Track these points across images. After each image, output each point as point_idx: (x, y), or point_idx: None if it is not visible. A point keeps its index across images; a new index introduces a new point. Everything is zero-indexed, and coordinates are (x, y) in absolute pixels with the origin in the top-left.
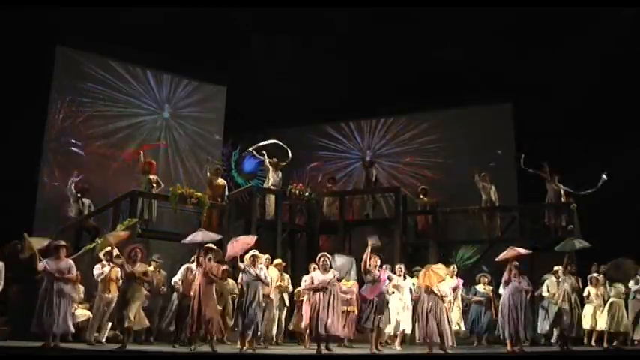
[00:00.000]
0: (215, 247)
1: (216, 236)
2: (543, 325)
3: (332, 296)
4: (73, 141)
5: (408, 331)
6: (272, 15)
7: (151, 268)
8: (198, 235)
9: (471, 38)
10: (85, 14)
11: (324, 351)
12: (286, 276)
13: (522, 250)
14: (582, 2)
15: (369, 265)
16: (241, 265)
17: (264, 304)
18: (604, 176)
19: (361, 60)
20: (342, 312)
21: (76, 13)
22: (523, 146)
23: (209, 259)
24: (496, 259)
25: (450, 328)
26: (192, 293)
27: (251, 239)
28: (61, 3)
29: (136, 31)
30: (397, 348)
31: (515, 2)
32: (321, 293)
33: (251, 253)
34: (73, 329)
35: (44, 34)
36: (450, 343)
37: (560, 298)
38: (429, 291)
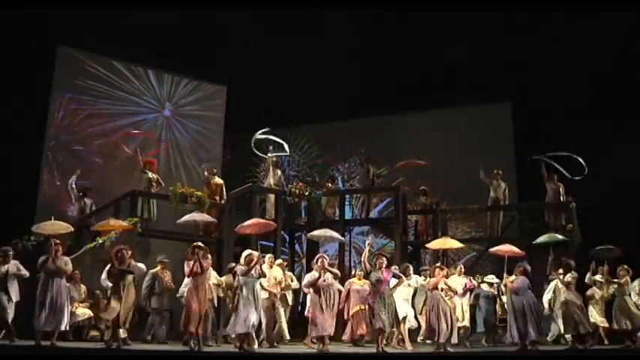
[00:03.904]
0: (203, 245)
1: (212, 219)
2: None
3: (328, 296)
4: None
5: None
6: (272, 15)
7: (158, 268)
8: (193, 216)
9: (471, 38)
10: (86, 14)
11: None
12: (289, 274)
13: (517, 250)
14: (582, 2)
15: (371, 265)
16: (240, 267)
17: (264, 304)
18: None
19: (361, 60)
20: (357, 310)
21: (77, 12)
22: (524, 147)
23: (198, 257)
24: (490, 250)
25: (449, 325)
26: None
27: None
28: (62, 3)
29: (136, 30)
30: (409, 349)
31: (515, 2)
32: (318, 293)
33: (247, 252)
34: (67, 327)
35: (45, 34)
36: (443, 340)
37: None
38: (433, 289)
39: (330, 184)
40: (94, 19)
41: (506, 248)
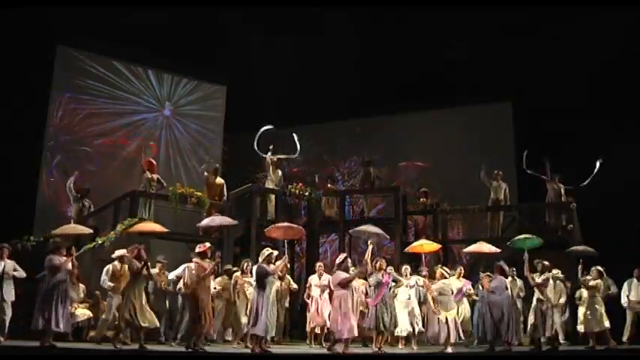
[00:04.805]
0: (210, 244)
1: (233, 222)
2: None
3: (353, 297)
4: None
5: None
6: (272, 15)
7: (156, 269)
8: (215, 220)
9: (471, 38)
10: (85, 14)
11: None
12: (288, 277)
13: (490, 249)
14: (582, 2)
15: (373, 267)
16: (269, 266)
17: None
18: (598, 163)
19: (361, 60)
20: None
21: (77, 12)
22: (523, 147)
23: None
24: (464, 250)
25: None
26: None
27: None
28: (62, 3)
29: (136, 30)
30: (400, 348)
31: (515, 2)
32: (349, 293)
33: (267, 251)
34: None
35: (45, 34)
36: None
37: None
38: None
39: (329, 185)
40: (94, 19)
41: (480, 247)
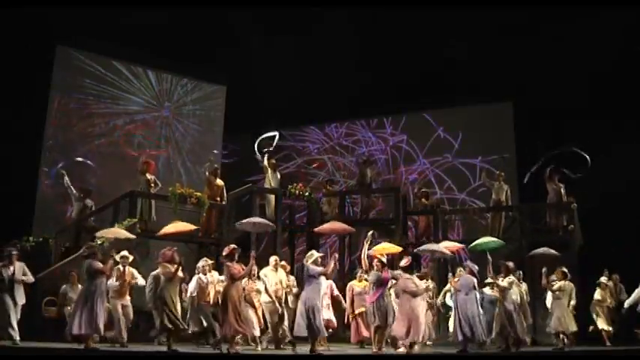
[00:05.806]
0: (235, 246)
1: (271, 225)
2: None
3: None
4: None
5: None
6: (272, 15)
7: (159, 270)
8: (255, 225)
9: (471, 38)
10: (85, 14)
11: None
12: (292, 278)
13: (449, 247)
14: (582, 2)
15: (368, 263)
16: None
17: (270, 307)
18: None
19: (361, 60)
20: (358, 313)
21: (77, 12)
22: (524, 147)
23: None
24: (416, 250)
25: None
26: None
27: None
28: (62, 3)
29: (136, 30)
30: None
31: (515, 2)
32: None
33: (315, 254)
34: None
35: (44, 34)
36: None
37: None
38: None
39: (329, 187)
40: (94, 19)
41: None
